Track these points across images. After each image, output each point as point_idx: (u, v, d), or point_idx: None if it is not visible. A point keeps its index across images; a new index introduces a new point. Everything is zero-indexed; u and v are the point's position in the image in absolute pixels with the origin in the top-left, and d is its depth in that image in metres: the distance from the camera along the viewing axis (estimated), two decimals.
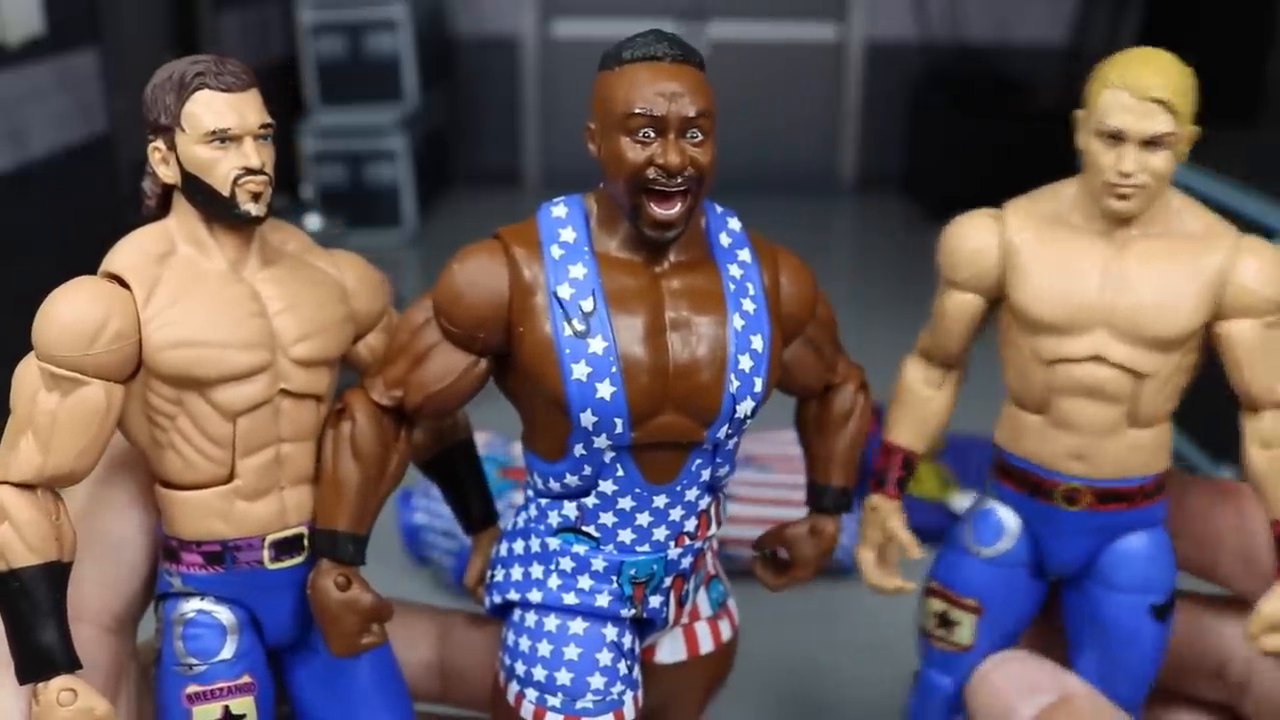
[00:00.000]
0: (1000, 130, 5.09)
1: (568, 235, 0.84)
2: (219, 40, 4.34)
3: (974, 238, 0.98)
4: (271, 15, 4.96)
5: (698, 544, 0.89)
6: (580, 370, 0.80)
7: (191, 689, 0.84)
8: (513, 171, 5.98)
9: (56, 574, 0.77)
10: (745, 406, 0.84)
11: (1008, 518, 1.00)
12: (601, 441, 0.82)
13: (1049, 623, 1.04)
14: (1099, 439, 0.94)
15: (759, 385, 0.85)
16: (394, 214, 4.87)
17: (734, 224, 0.90)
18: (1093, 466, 0.95)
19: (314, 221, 3.72)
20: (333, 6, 4.73)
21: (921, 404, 1.04)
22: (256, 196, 0.81)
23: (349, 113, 4.80)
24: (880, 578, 1.06)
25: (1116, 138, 0.90)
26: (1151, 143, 0.89)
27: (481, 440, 2.22)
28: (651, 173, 0.79)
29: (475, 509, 1.01)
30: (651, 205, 0.80)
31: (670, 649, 0.95)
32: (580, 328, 0.81)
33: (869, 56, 5.87)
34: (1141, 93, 0.88)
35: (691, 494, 0.87)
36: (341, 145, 4.79)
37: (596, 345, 0.81)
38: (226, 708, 0.84)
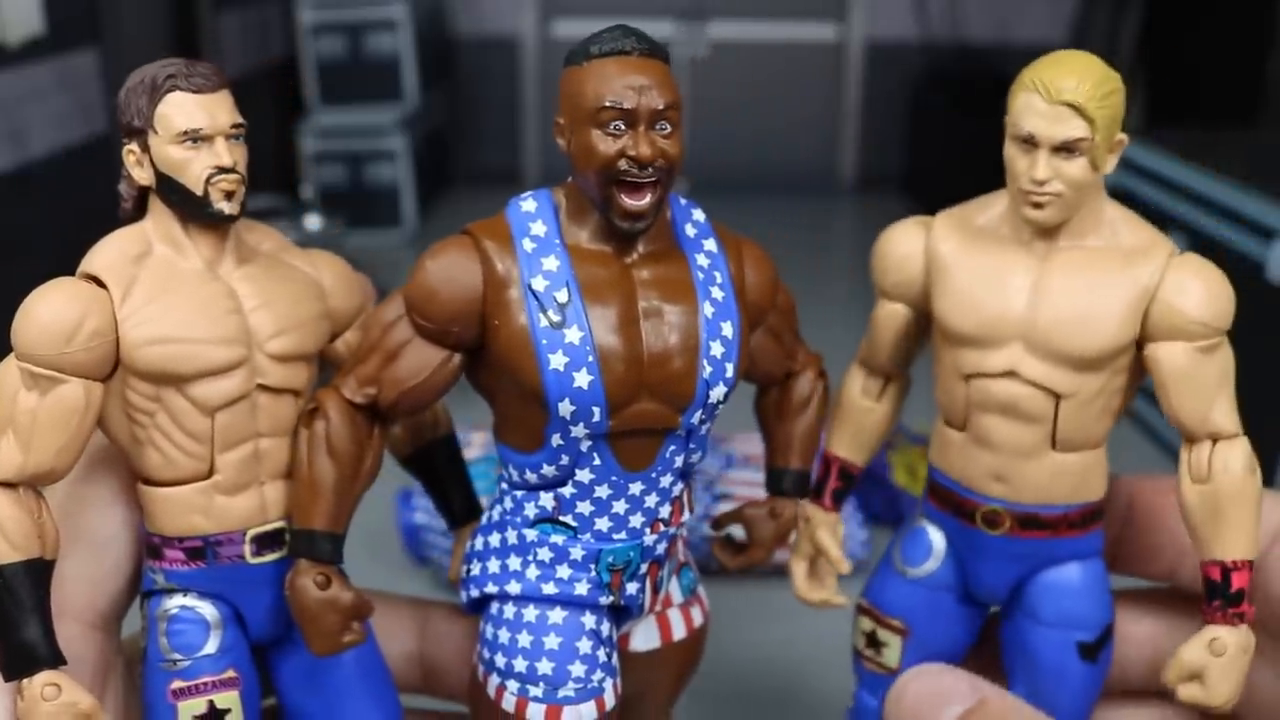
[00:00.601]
0: (1000, 130, 5.07)
1: (538, 229, 0.86)
2: (219, 40, 4.35)
3: (901, 245, 0.95)
4: (271, 15, 4.96)
5: (672, 530, 0.91)
6: (558, 360, 0.82)
7: (176, 684, 0.84)
8: (513, 171, 5.99)
9: (39, 571, 0.78)
10: (718, 392, 0.86)
11: (936, 538, 0.97)
12: (579, 430, 0.84)
13: (989, 656, 1.01)
14: (1018, 460, 0.90)
15: (730, 370, 0.87)
16: (394, 214, 4.88)
17: (698, 215, 0.91)
18: (1012, 489, 0.91)
19: (314, 221, 3.72)
20: (333, 6, 4.74)
21: (859, 415, 1.01)
22: (229, 195, 0.82)
23: (349, 113, 4.81)
24: (807, 589, 1.03)
25: (1030, 143, 0.85)
26: (1065, 149, 0.84)
27: (481, 440, 2.23)
28: (623, 164, 0.81)
29: (457, 503, 1.02)
30: (622, 196, 0.82)
31: (644, 636, 0.96)
32: (556, 319, 0.82)
33: (869, 56, 5.87)
34: (1053, 96, 0.84)
35: (666, 480, 0.88)
36: (341, 145, 4.80)
37: (573, 335, 0.82)
38: (211, 702, 0.85)
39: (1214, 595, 0.86)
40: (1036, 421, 0.89)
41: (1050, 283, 0.87)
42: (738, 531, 1.01)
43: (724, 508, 2.13)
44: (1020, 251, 0.89)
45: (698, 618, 0.99)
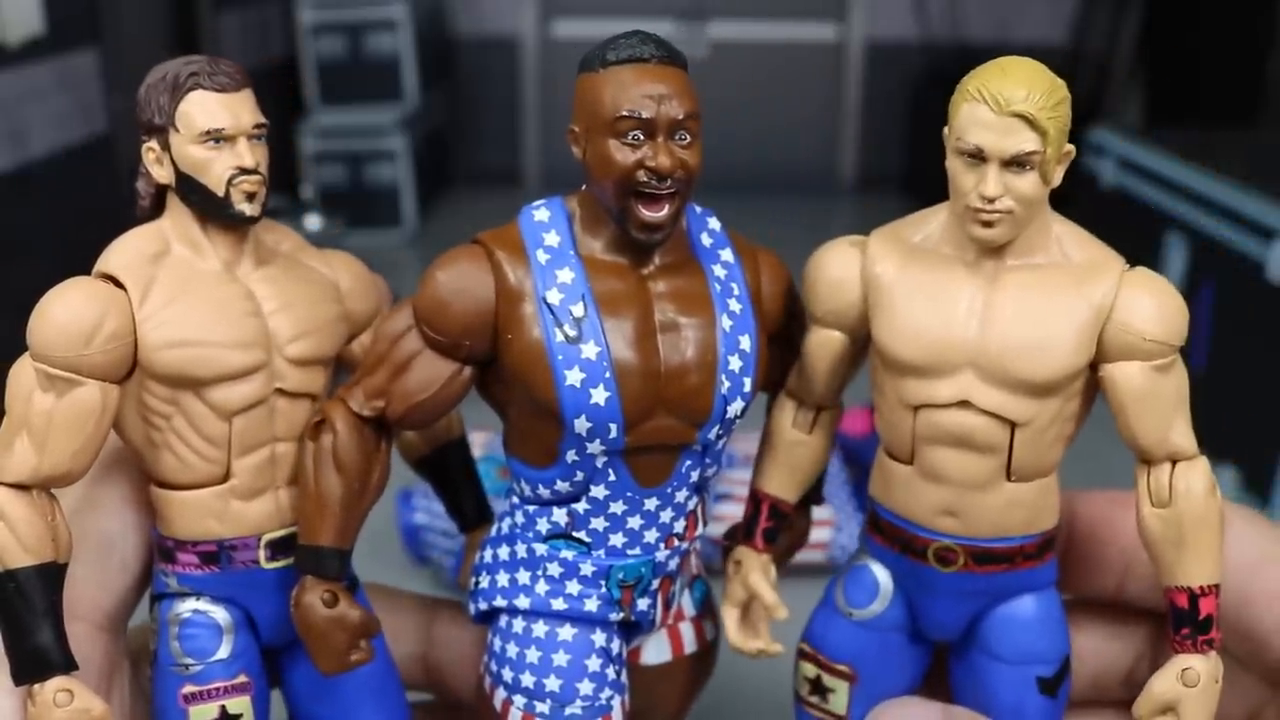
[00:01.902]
0: None
1: (552, 239, 0.84)
2: (219, 40, 4.34)
3: (833, 269, 0.89)
4: (271, 15, 4.95)
5: (685, 545, 0.90)
6: (574, 376, 0.80)
7: (188, 689, 0.84)
8: (513, 171, 5.98)
9: (52, 575, 0.77)
10: (736, 407, 0.85)
11: (882, 577, 0.91)
12: (595, 447, 0.82)
13: (939, 693, 0.95)
14: (971, 493, 0.84)
15: (748, 385, 0.85)
16: (394, 214, 4.87)
17: (714, 223, 0.90)
18: (966, 524, 0.85)
19: (314, 222, 3.72)
20: (333, 6, 4.74)
21: (789, 449, 0.95)
22: (251, 196, 0.81)
23: (349, 113, 4.80)
24: (741, 638, 0.96)
25: (977, 157, 0.79)
26: (1016, 163, 0.78)
27: (481, 440, 2.22)
28: (642, 175, 0.79)
29: (469, 507, 1.02)
30: (640, 208, 0.80)
31: (655, 650, 0.95)
32: (572, 333, 0.81)
33: (869, 56, 5.87)
34: (1003, 107, 0.78)
35: (681, 495, 0.87)
36: (341, 145, 4.80)
37: (589, 351, 0.80)
38: (223, 707, 0.84)
39: (1182, 623, 0.83)
40: (991, 452, 0.84)
41: (1001, 305, 0.83)
42: None
43: (724, 507, 2.13)
44: (965, 272, 0.84)
45: (710, 631, 0.98)
